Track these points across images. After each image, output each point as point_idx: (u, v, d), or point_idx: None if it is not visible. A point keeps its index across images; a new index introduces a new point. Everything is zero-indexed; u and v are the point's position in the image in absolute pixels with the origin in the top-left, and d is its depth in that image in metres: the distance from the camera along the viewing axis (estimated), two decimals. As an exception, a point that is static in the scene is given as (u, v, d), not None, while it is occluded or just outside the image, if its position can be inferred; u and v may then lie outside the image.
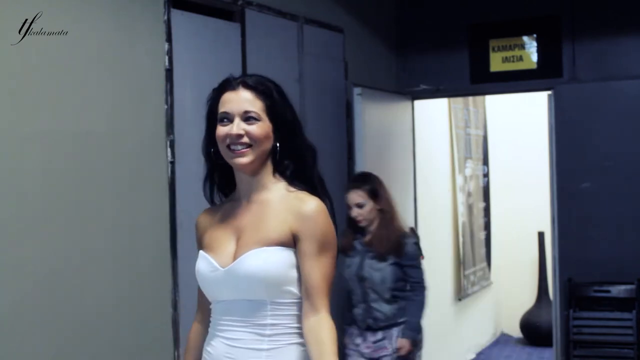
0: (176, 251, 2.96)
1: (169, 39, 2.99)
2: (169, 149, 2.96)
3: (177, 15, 3.05)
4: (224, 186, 1.98)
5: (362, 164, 4.29)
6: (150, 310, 2.85)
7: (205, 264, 1.87)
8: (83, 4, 2.63)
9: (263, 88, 1.86)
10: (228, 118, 1.84)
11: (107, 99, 2.71)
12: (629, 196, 4.55)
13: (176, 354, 2.93)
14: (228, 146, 1.84)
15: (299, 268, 1.81)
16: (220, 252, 1.86)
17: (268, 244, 1.80)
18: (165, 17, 2.98)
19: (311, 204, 1.82)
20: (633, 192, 4.54)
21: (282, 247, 1.80)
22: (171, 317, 2.91)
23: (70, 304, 2.52)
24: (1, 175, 2.31)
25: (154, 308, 2.87)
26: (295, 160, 1.90)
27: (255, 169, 1.87)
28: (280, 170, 1.89)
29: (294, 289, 1.80)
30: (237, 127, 1.82)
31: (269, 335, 1.79)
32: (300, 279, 1.81)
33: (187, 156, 2.98)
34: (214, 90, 1.93)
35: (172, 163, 2.97)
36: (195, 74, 3.14)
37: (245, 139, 1.82)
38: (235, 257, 1.82)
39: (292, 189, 1.87)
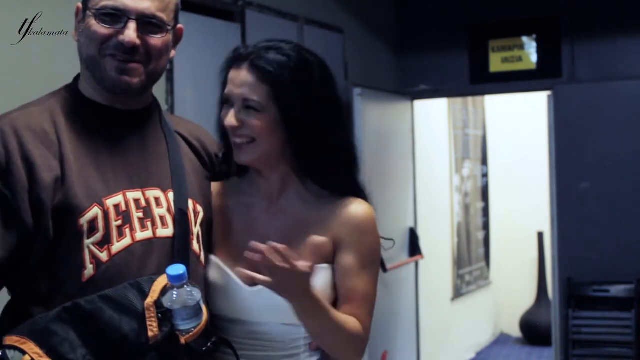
0: (176, 251, 2.96)
1: (169, 39, 3.00)
2: (169, 149, 2.97)
3: (177, 16, 3.05)
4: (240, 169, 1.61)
5: (362, 164, 4.29)
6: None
7: (219, 276, 1.53)
8: (83, 4, 2.63)
9: (272, 68, 1.47)
10: (229, 102, 1.52)
11: (107, 99, 2.71)
12: (628, 196, 4.55)
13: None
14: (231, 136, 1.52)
15: (335, 287, 1.52)
16: (237, 263, 1.50)
17: (310, 261, 1.46)
18: (166, 18, 2.99)
19: (359, 208, 1.52)
20: (633, 192, 4.54)
21: (325, 265, 1.50)
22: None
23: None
24: (2, 175, 2.31)
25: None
26: (321, 160, 1.52)
27: (269, 166, 1.54)
28: (304, 171, 1.53)
29: None
30: (234, 116, 1.49)
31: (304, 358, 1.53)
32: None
33: (187, 156, 2.98)
34: (225, 61, 1.58)
35: (172, 163, 2.97)
36: (196, 75, 3.15)
37: (247, 132, 1.49)
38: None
39: (326, 193, 1.53)
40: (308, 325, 1.48)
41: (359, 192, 1.57)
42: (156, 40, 1.46)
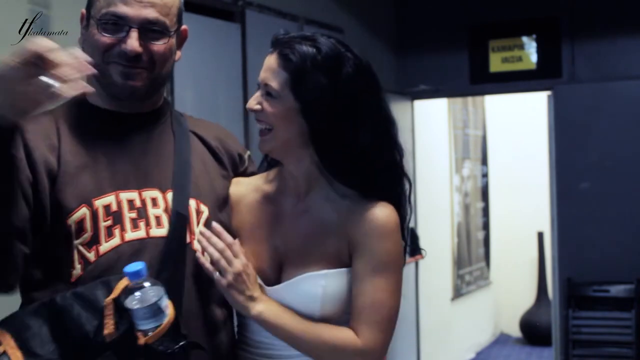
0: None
1: (169, 39, 3.00)
2: (169, 149, 2.97)
3: (177, 16, 3.05)
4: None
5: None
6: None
7: None
8: (83, 4, 2.63)
9: (296, 57, 1.44)
10: (259, 86, 1.50)
11: (107, 99, 2.71)
12: (628, 196, 4.55)
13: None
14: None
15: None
16: (259, 261, 1.51)
17: (326, 265, 1.45)
18: (166, 18, 2.99)
19: (379, 211, 1.45)
20: (633, 192, 4.54)
21: (342, 269, 1.46)
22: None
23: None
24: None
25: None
26: (342, 158, 1.46)
27: (291, 158, 1.51)
28: (325, 167, 1.48)
29: None
30: (255, 100, 1.49)
31: None
32: None
33: (187, 156, 2.98)
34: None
35: (172, 163, 2.97)
36: (196, 74, 3.15)
37: (264, 117, 1.47)
38: (281, 274, 1.50)
39: (352, 193, 1.48)
40: (277, 337, 1.48)
41: (390, 197, 1.49)
42: (159, 46, 1.45)
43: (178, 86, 3.03)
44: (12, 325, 1.32)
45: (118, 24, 1.42)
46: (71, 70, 1.19)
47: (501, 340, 7.10)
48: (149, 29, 1.43)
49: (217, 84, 3.28)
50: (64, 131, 1.44)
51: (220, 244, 1.44)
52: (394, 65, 5.15)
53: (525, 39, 4.92)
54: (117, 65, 1.43)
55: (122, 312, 1.31)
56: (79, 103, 1.49)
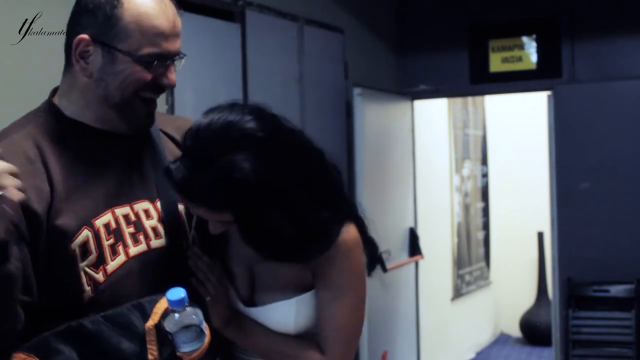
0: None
1: (169, 39, 2.99)
2: (169, 149, 2.96)
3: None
4: None
5: (362, 164, 4.30)
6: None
7: None
8: (83, 4, 2.63)
9: (217, 203, 1.37)
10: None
11: (107, 99, 2.71)
12: (628, 196, 4.55)
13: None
14: None
15: None
16: (237, 279, 1.55)
17: (294, 288, 1.50)
18: (166, 18, 2.99)
19: (339, 238, 1.47)
20: (633, 192, 4.54)
21: (307, 294, 1.50)
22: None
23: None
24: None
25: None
26: (287, 227, 1.42)
27: None
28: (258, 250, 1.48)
29: None
30: (212, 227, 1.45)
31: None
32: None
33: (187, 156, 2.98)
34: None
35: (172, 163, 2.97)
36: (196, 75, 3.14)
37: (220, 227, 1.46)
38: (255, 297, 1.53)
39: None
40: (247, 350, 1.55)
41: (344, 219, 1.48)
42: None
43: (178, 86, 2.98)
44: (40, 349, 1.30)
45: (160, 60, 1.45)
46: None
47: (501, 340, 7.10)
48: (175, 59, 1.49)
49: (217, 84, 3.28)
50: (46, 150, 1.40)
51: (205, 266, 1.47)
52: (394, 65, 5.15)
53: (525, 39, 4.92)
54: (143, 104, 1.45)
55: (163, 336, 1.33)
56: (56, 116, 1.46)
